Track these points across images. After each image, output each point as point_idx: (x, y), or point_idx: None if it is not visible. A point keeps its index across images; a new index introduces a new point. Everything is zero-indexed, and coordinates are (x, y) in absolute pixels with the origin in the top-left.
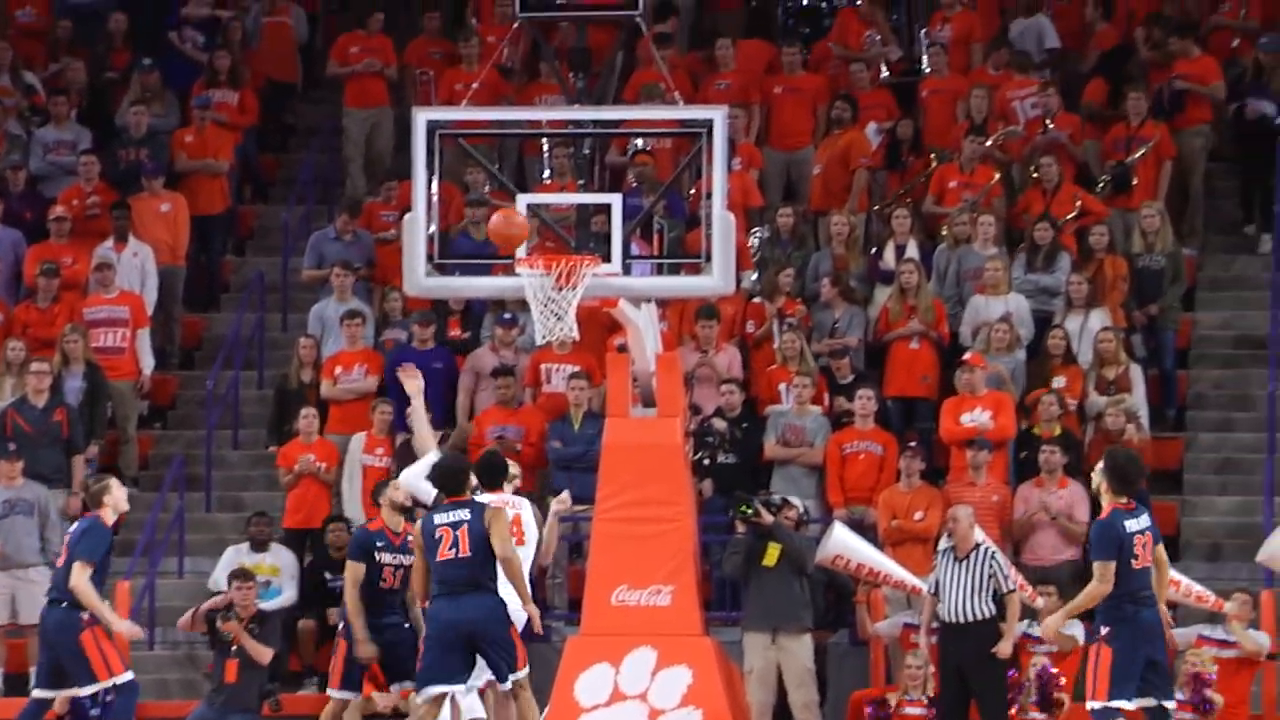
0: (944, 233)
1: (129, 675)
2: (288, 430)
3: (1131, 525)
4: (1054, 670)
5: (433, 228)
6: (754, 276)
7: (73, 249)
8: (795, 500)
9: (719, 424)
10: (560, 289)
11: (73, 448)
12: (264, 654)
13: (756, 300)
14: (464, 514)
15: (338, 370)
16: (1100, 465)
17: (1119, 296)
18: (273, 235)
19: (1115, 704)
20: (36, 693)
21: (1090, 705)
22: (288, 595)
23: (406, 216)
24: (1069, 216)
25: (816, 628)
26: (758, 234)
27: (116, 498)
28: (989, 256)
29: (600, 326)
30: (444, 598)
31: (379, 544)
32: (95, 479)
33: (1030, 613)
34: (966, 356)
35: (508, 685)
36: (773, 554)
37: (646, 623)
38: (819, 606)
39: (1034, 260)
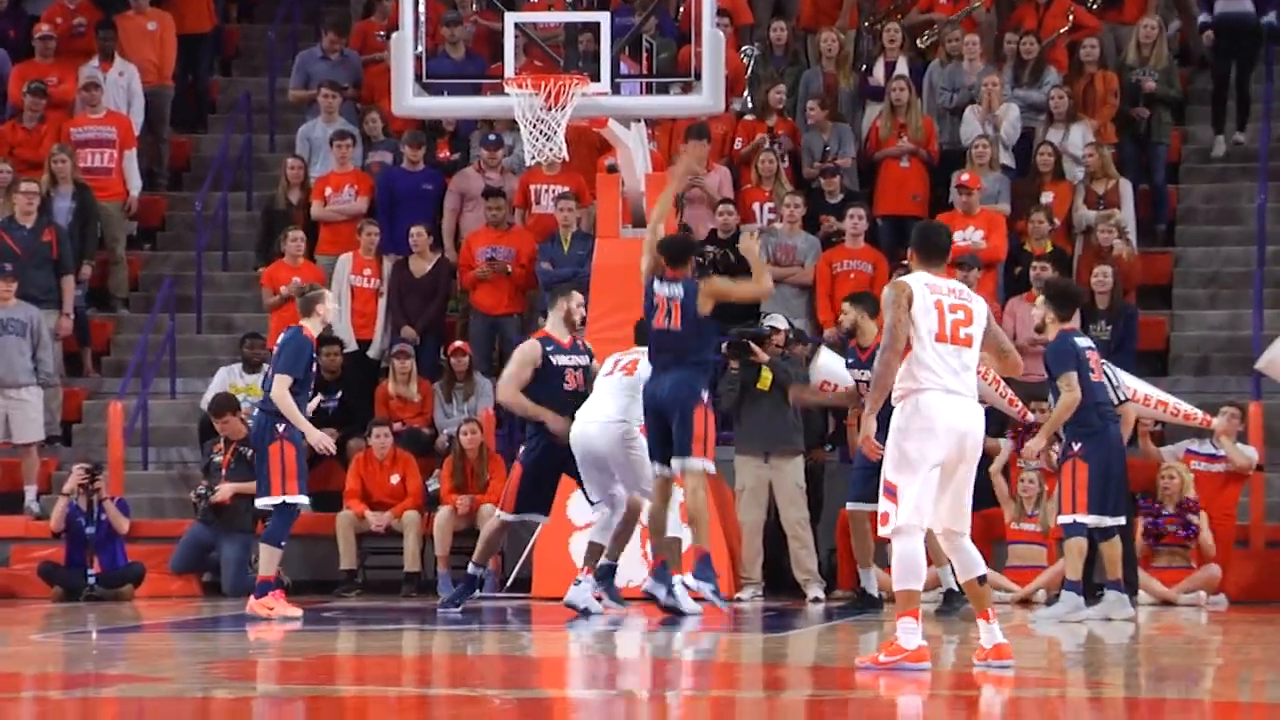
0: (921, 41)
1: (300, 499)
2: (276, 251)
3: (1081, 342)
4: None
5: (420, 47)
6: (745, 97)
7: (58, 68)
8: (782, 322)
9: (709, 247)
10: (549, 109)
11: (63, 268)
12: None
13: (748, 118)
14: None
15: (327, 191)
16: (1040, 298)
17: (1109, 111)
18: (259, 55)
19: (1096, 519)
20: None
21: (1065, 519)
22: None
23: (394, 35)
24: (1061, 31)
25: (810, 448)
26: (748, 52)
27: (328, 309)
28: (981, 73)
29: (589, 146)
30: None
31: (548, 348)
32: (310, 286)
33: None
34: (963, 178)
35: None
36: (766, 379)
37: None
38: (816, 428)
39: (1020, 75)
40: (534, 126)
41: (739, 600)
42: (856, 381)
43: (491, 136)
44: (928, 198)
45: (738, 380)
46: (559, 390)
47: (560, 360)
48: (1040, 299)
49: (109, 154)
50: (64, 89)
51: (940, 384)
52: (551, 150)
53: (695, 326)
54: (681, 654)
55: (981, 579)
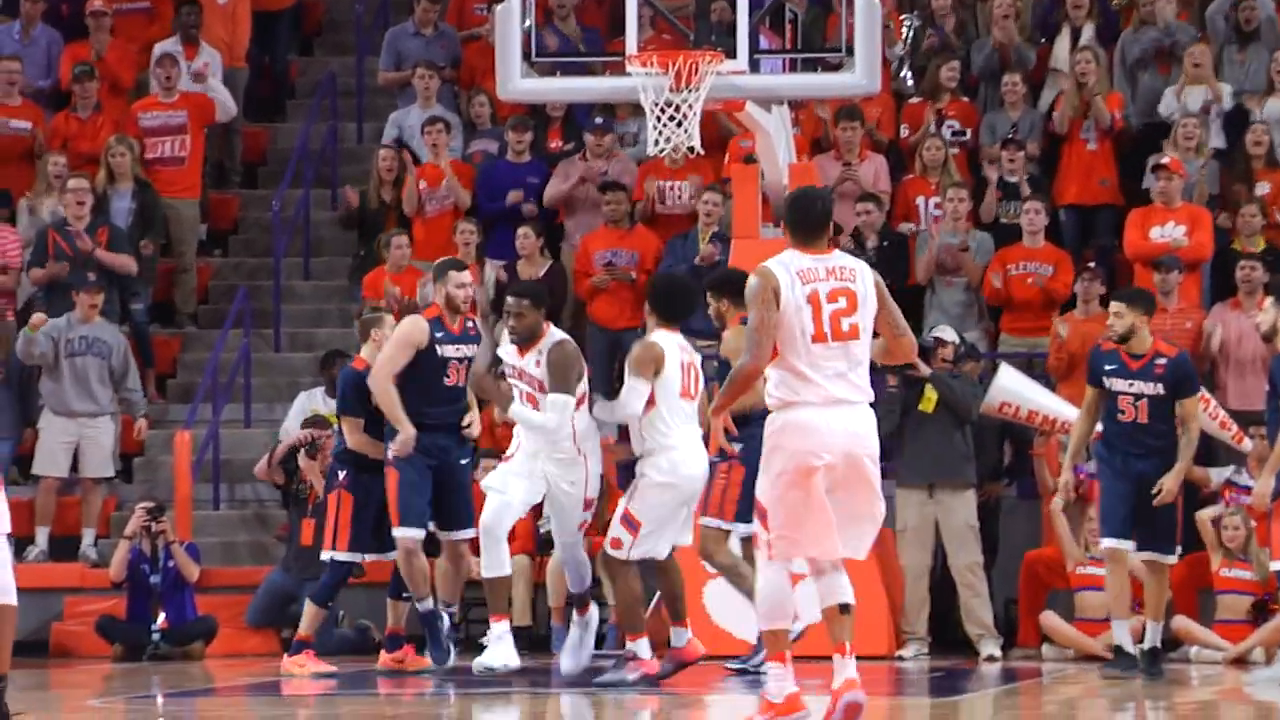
0: (1114, 3)
1: (352, 557)
2: (365, 256)
3: None
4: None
5: (529, 20)
6: (906, 73)
7: (115, 49)
8: (949, 334)
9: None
10: (679, 90)
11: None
12: None
13: (914, 100)
14: None
15: (422, 186)
16: (1269, 300)
17: None
18: (344, 32)
19: None
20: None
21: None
22: None
23: (499, 7)
24: None
25: (983, 481)
26: (908, 21)
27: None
28: (1188, 39)
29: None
30: None
31: (437, 334)
32: (372, 308)
33: (1237, 456)
34: (1164, 160)
35: None
36: (930, 399)
37: None
38: (990, 457)
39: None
40: (662, 111)
41: (900, 659)
42: (1118, 394)
43: (599, 120)
44: (1118, 184)
45: (898, 400)
46: (438, 385)
47: (446, 351)
48: (1269, 301)
49: (181, 140)
50: (122, 72)
51: (823, 395)
52: (683, 138)
53: None
54: None
55: (844, 607)
